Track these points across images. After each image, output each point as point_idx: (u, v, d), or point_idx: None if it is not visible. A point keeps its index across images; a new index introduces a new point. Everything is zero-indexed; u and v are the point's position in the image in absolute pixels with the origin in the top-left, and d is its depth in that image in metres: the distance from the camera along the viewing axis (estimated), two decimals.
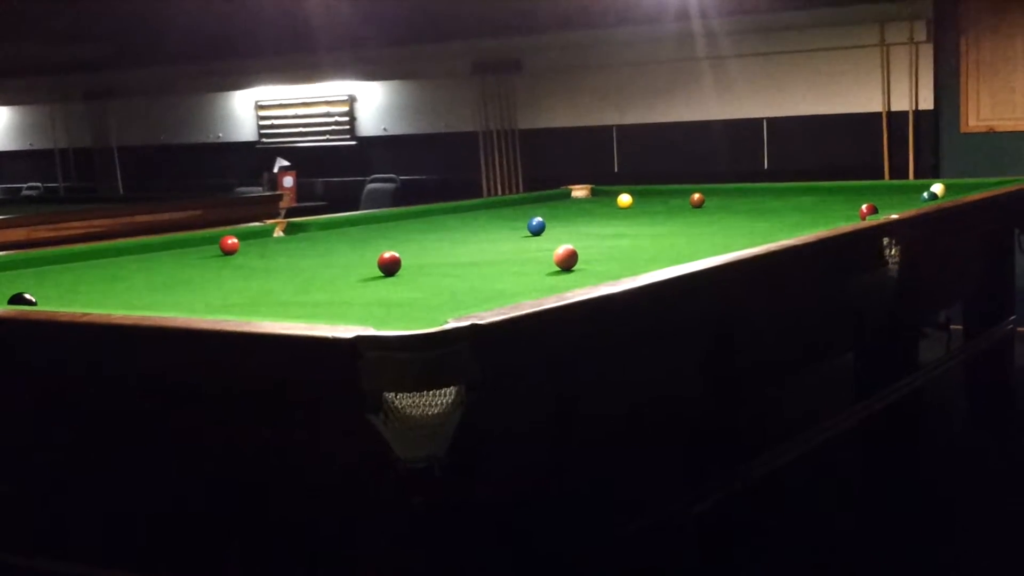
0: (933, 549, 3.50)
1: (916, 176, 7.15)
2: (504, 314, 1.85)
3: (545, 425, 2.03)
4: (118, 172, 10.59)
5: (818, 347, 3.23)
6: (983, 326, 4.49)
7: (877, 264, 3.12)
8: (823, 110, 7.57)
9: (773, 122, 7.77)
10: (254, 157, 9.67)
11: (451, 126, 8.91)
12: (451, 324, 1.73)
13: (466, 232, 4.04)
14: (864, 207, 3.66)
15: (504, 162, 8.69)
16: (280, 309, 2.44)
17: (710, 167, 7.51)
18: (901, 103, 7.30)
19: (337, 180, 9.38)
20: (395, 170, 9.12)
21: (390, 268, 2.85)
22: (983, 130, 7.16)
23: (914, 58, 7.23)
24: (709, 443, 2.62)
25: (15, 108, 11.38)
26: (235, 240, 3.56)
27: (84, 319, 2.07)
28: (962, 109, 7.19)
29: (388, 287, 2.70)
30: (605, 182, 5.65)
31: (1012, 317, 4.65)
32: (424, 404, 1.66)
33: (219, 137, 10.14)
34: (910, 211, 3.50)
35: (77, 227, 5.46)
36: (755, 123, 7.81)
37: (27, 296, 2.43)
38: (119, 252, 3.63)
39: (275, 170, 9.06)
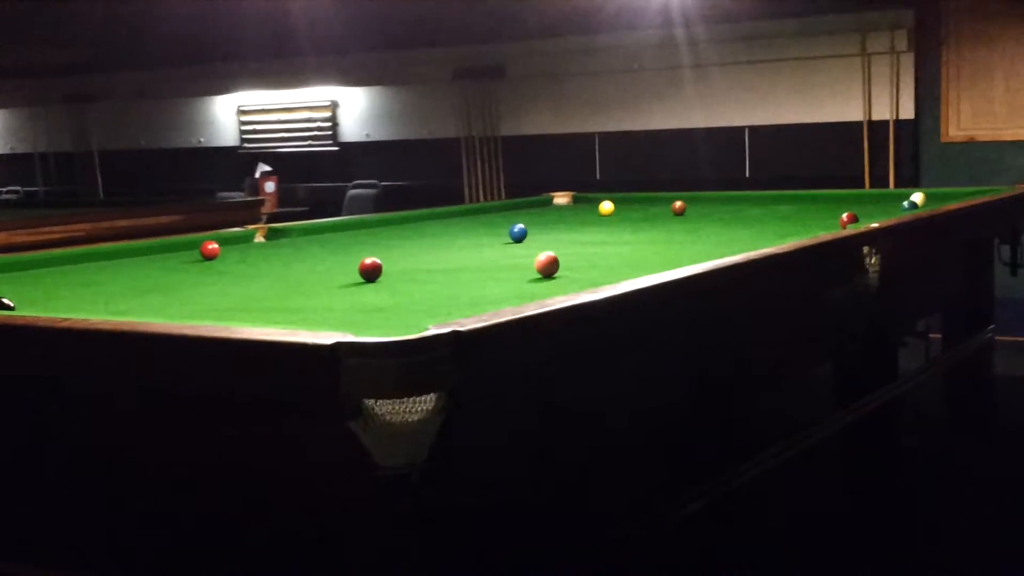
0: (913, 558, 3.51)
1: (897, 185, 7.20)
2: (485, 321, 1.84)
3: (525, 432, 2.03)
4: (99, 176, 10.56)
5: (799, 355, 3.24)
6: (962, 335, 4.51)
7: (857, 273, 3.13)
8: (805, 119, 7.61)
9: (755, 130, 7.80)
10: (236, 162, 9.66)
11: (434, 132, 8.91)
12: (432, 331, 1.73)
13: (448, 238, 4.04)
14: (844, 216, 3.67)
15: (486, 168, 8.70)
16: (260, 315, 2.44)
17: (692, 175, 7.53)
18: (882, 112, 7.34)
19: (319, 186, 9.37)
20: (377, 176, 9.12)
21: (371, 274, 2.85)
22: (963, 139, 7.20)
23: (895, 68, 7.28)
24: (689, 451, 2.62)
25: None
26: (216, 245, 3.54)
27: (63, 324, 2.06)
28: (943, 119, 7.24)
29: (369, 293, 2.70)
30: (587, 189, 5.66)
31: (991, 327, 4.68)
32: (404, 411, 1.66)
33: (201, 142, 10.12)
34: (890, 220, 3.51)
35: (57, 231, 5.44)
36: (737, 131, 7.85)
37: (5, 301, 2.42)
38: (99, 257, 3.62)
39: (257, 175, 9.05)
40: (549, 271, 2.78)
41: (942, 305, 4.44)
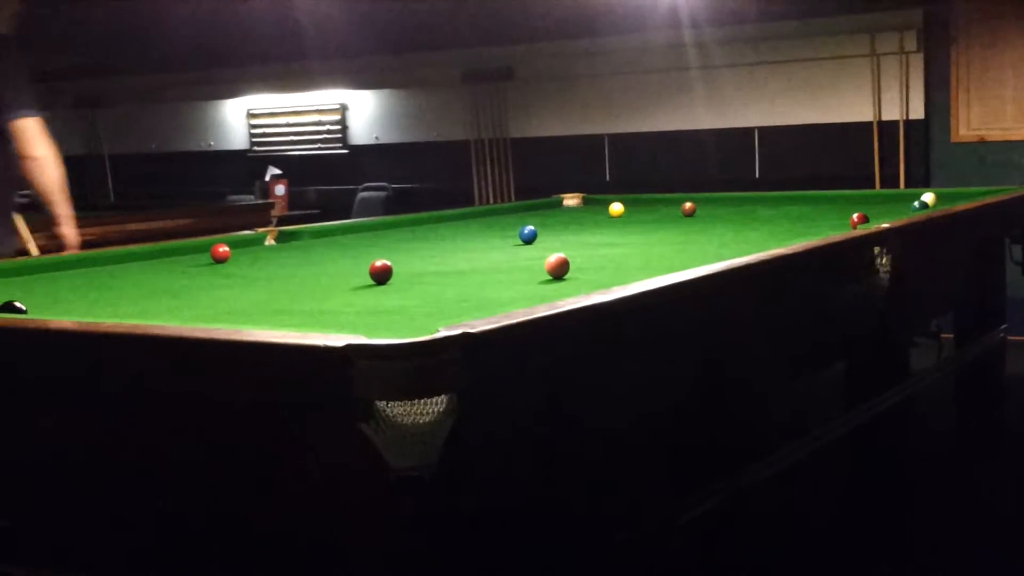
0: (923, 558, 3.50)
1: (907, 185, 7.18)
2: (495, 323, 1.84)
3: (536, 433, 2.03)
4: (109, 180, 10.59)
5: (809, 356, 3.23)
6: (974, 335, 4.50)
7: (868, 273, 3.12)
8: (814, 119, 7.60)
9: (764, 131, 7.79)
10: (246, 165, 9.68)
11: (443, 135, 8.92)
12: (442, 332, 1.73)
13: (458, 241, 4.04)
14: (855, 216, 3.67)
15: (496, 171, 8.70)
16: (271, 317, 2.44)
17: (701, 176, 7.53)
18: (892, 113, 7.33)
19: (329, 189, 9.38)
20: (387, 179, 9.13)
21: (382, 276, 2.85)
22: (973, 140, 7.19)
23: (904, 68, 7.26)
24: (699, 452, 2.62)
25: None
26: (226, 248, 3.55)
27: (74, 327, 2.07)
28: (952, 119, 7.22)
29: (380, 295, 2.70)
30: (597, 191, 5.66)
31: (1003, 326, 4.66)
32: (415, 412, 1.66)
33: (211, 145, 10.14)
34: (901, 220, 3.51)
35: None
36: (746, 132, 7.84)
37: (17, 304, 2.42)
38: (110, 260, 3.63)
39: (267, 178, 9.06)
40: (559, 273, 2.78)
41: (953, 305, 4.43)
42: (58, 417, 2.15)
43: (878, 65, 7.32)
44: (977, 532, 3.72)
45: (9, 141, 3.82)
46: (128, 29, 8.42)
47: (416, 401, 1.66)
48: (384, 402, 1.65)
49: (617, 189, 6.55)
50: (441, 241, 4.06)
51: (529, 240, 3.70)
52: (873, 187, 7.23)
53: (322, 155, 9.51)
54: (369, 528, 1.85)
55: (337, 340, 1.71)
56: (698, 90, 7.80)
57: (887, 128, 7.35)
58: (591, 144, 8.36)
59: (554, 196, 5.52)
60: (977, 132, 7.16)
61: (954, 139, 7.25)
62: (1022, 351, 5.56)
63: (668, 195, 5.40)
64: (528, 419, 2.00)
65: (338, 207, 8.68)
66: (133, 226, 5.79)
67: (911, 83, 7.25)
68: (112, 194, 10.44)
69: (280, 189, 8.98)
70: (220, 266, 3.46)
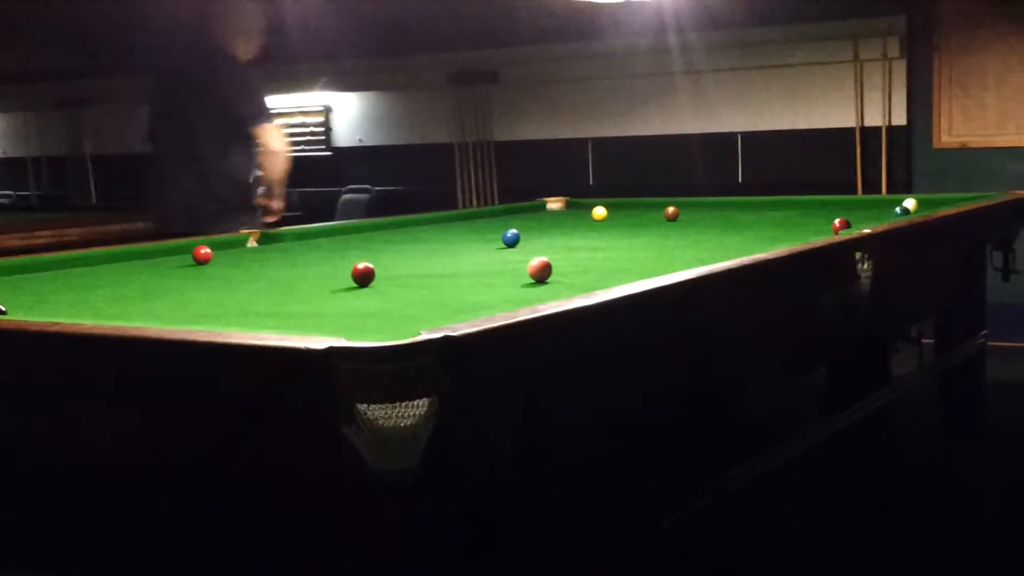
0: (906, 562, 3.51)
1: (889, 191, 7.21)
2: (477, 326, 1.84)
3: (518, 437, 2.03)
4: (91, 181, 10.54)
5: (791, 360, 3.24)
6: (955, 340, 4.52)
7: (849, 278, 3.13)
8: (797, 125, 7.62)
9: (748, 136, 7.82)
10: None
11: (426, 137, 8.92)
12: (424, 335, 1.73)
13: (440, 244, 4.04)
14: (837, 221, 3.68)
15: (479, 174, 8.70)
16: (253, 319, 2.43)
17: (685, 180, 7.55)
18: (874, 119, 7.36)
19: (312, 191, 9.36)
20: (370, 181, 9.12)
21: (364, 279, 2.84)
22: (955, 146, 7.22)
23: (887, 74, 7.29)
24: (682, 455, 2.63)
25: None
26: (208, 250, 3.54)
27: (54, 328, 2.06)
28: (935, 125, 7.26)
29: (362, 298, 2.70)
30: (580, 195, 5.66)
31: (983, 332, 4.68)
32: (397, 415, 1.66)
33: None
34: (882, 225, 3.52)
35: (48, 236, 5.43)
36: (730, 137, 7.86)
37: None
38: (91, 261, 3.61)
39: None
40: (542, 276, 2.78)
41: (935, 310, 4.45)
42: (37, 419, 2.14)
43: (861, 71, 7.34)
44: (958, 536, 3.73)
45: (253, 141, 5.03)
46: (112, 30, 8.40)
47: (397, 404, 1.65)
48: (365, 405, 1.65)
49: (600, 193, 6.57)
50: (424, 244, 4.06)
51: (512, 243, 3.70)
52: (855, 193, 7.25)
53: (305, 157, 9.49)
54: (351, 531, 1.85)
55: (319, 342, 1.71)
56: (682, 95, 7.82)
57: (870, 134, 7.38)
58: (575, 148, 8.37)
59: (537, 200, 5.52)
60: (959, 138, 7.20)
61: (936, 145, 7.28)
62: (1003, 357, 5.60)
63: (651, 199, 5.40)
64: (510, 422, 2.00)
65: (321, 209, 8.67)
66: (114, 227, 5.77)
67: (894, 89, 7.28)
68: (94, 195, 10.40)
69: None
70: (202, 268, 3.45)
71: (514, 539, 2.04)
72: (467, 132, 8.72)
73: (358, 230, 4.58)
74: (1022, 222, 4.56)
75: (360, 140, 9.26)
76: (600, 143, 8.31)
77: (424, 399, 1.66)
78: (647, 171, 8.00)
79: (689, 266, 2.66)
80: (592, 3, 5.70)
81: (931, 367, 4.38)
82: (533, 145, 8.50)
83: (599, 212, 4.75)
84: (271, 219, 5.13)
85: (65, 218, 6.15)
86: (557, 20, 7.58)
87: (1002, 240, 4.60)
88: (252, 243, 4.05)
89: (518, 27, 7.84)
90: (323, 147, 9.42)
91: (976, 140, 7.15)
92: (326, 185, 9.24)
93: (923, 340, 4.36)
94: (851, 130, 7.41)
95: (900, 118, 7.31)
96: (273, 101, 9.53)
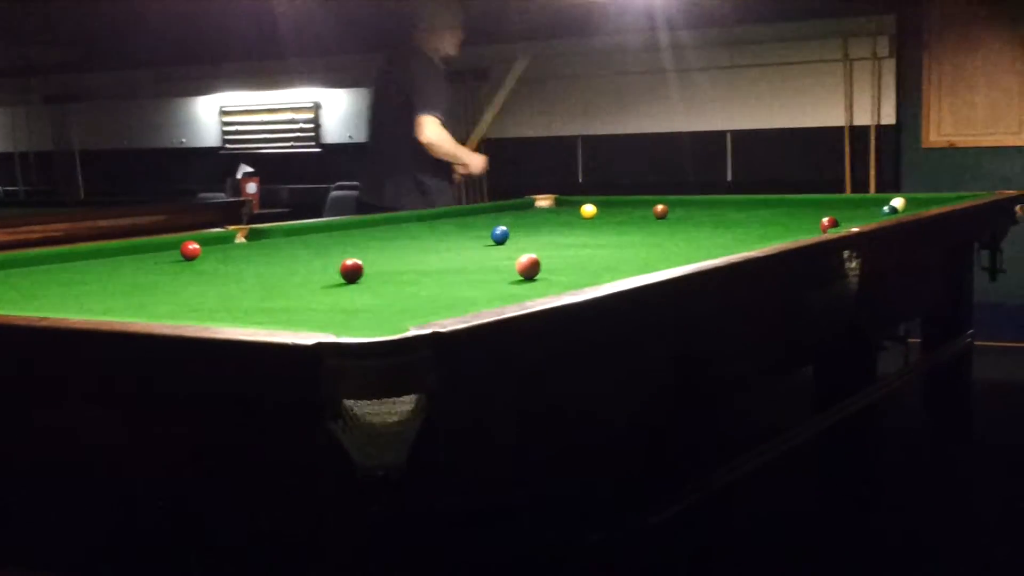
0: (891, 560, 3.52)
1: (877, 190, 7.23)
2: (465, 322, 1.84)
3: (505, 434, 2.03)
4: (79, 176, 10.51)
5: (778, 359, 3.25)
6: (942, 340, 4.53)
7: (837, 277, 3.14)
8: (786, 123, 7.63)
9: (737, 135, 7.83)
10: (217, 163, 9.63)
11: None
12: (412, 332, 1.73)
13: (429, 240, 4.04)
14: (825, 220, 3.68)
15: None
16: (241, 315, 2.43)
17: (674, 178, 7.55)
18: (863, 117, 7.37)
19: (301, 187, 9.35)
20: (360, 178, 9.09)
21: (352, 275, 2.84)
22: (944, 145, 7.24)
23: (877, 73, 7.31)
24: (669, 453, 2.63)
25: None
26: (196, 246, 3.53)
27: (41, 324, 2.06)
28: (923, 124, 7.27)
29: (350, 294, 2.70)
30: (569, 192, 5.66)
31: (970, 331, 4.70)
32: (384, 412, 1.66)
33: (182, 142, 10.09)
34: (871, 224, 3.53)
35: (37, 231, 5.40)
36: (719, 135, 7.87)
37: None
38: (78, 257, 3.60)
39: (238, 176, 9.02)
40: (530, 273, 2.78)
41: (922, 309, 4.46)
42: (24, 415, 2.14)
43: (851, 70, 7.36)
44: (944, 535, 3.74)
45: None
46: (101, 25, 8.38)
47: (385, 400, 1.65)
48: (353, 401, 1.65)
49: (589, 190, 6.57)
50: (412, 241, 4.06)
51: (501, 240, 3.70)
52: (844, 191, 7.27)
53: (294, 153, 9.49)
54: (337, 528, 1.85)
55: (307, 338, 1.71)
56: (672, 93, 7.82)
57: (859, 133, 7.39)
58: (564, 145, 8.37)
59: (526, 197, 5.52)
60: (948, 138, 7.22)
61: (925, 144, 7.30)
62: (989, 356, 5.62)
63: (640, 197, 5.41)
64: (498, 419, 2.00)
65: (310, 206, 8.65)
66: (103, 222, 5.74)
67: (883, 88, 7.30)
68: (82, 190, 10.37)
69: (252, 187, 8.94)
70: (190, 263, 3.44)
71: (502, 535, 2.04)
72: (456, 129, 8.70)
73: (347, 226, 4.57)
74: (1009, 221, 4.57)
75: (350, 137, 9.25)
76: (590, 141, 8.31)
77: (412, 395, 1.66)
78: (637, 169, 8.00)
79: (678, 264, 2.66)
80: (583, 1, 5.71)
81: (917, 366, 4.39)
82: (522, 142, 8.50)
83: (588, 210, 4.75)
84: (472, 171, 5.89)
85: (53, 214, 6.13)
86: (546, 18, 7.59)
87: (989, 239, 4.62)
88: (241, 239, 4.04)
89: (509, 25, 7.84)
90: (312, 143, 9.40)
91: (964, 140, 7.17)
92: (315, 181, 9.22)
93: (910, 339, 4.37)
94: (840, 129, 7.42)
95: (889, 117, 7.33)
96: (261, 97, 9.55)
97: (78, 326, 2.03)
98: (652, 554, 2.56)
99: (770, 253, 2.92)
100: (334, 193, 9.07)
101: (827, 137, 7.47)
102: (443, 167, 5.73)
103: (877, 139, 7.33)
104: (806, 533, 3.65)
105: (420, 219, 4.87)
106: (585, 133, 8.30)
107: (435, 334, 1.73)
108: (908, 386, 4.25)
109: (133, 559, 2.12)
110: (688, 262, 2.69)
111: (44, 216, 5.89)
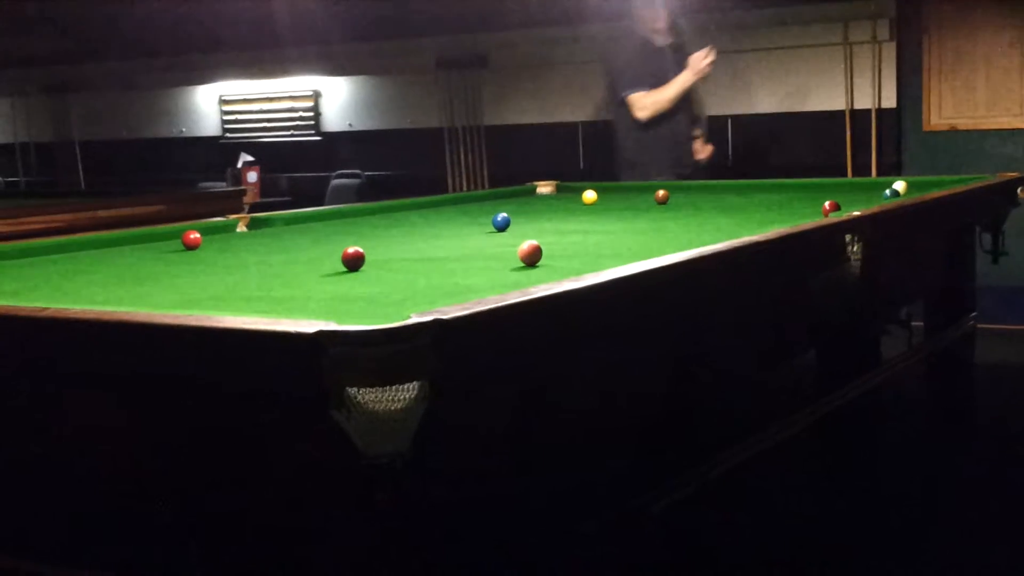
0: (895, 545, 3.53)
1: (879, 174, 7.22)
2: (467, 309, 1.84)
3: (508, 421, 2.03)
4: (80, 167, 10.51)
5: (781, 343, 3.25)
6: (944, 323, 4.53)
7: (839, 261, 3.14)
8: (787, 108, 7.62)
9: (737, 119, 7.81)
10: (218, 152, 9.62)
11: (417, 122, 8.89)
12: (414, 319, 1.73)
13: (431, 228, 4.04)
14: (827, 204, 3.68)
15: (470, 158, 8.69)
16: (243, 304, 2.43)
17: None
18: (864, 101, 7.36)
19: (302, 176, 9.34)
20: (360, 166, 9.10)
21: (354, 263, 2.84)
22: (945, 128, 7.23)
23: (877, 57, 7.29)
24: (672, 439, 2.63)
25: None
26: (198, 235, 3.53)
27: (43, 314, 2.06)
28: (924, 108, 7.26)
29: (352, 282, 2.69)
30: (570, 179, 5.65)
31: (973, 314, 4.70)
32: (387, 399, 1.66)
33: (182, 132, 10.08)
34: (872, 208, 3.52)
35: (37, 222, 5.40)
36: (719, 120, 7.85)
37: None
38: (80, 247, 3.60)
39: (239, 165, 9.01)
40: (532, 260, 2.78)
41: (924, 293, 4.46)
42: (25, 405, 2.14)
43: (851, 54, 7.34)
44: (945, 519, 3.74)
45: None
46: (100, 15, 8.36)
47: (387, 388, 1.65)
48: (355, 389, 1.65)
49: (590, 177, 6.56)
50: (414, 228, 4.05)
51: (502, 227, 3.70)
52: (845, 175, 7.25)
53: (295, 142, 9.48)
54: (341, 516, 1.85)
55: (308, 326, 1.71)
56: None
57: (859, 117, 7.38)
58: (565, 132, 8.36)
59: (527, 184, 5.51)
60: (949, 121, 7.20)
61: (926, 128, 7.28)
62: (991, 339, 5.61)
63: (641, 183, 5.40)
64: (500, 406, 2.00)
65: (311, 194, 8.65)
66: (103, 213, 5.74)
67: (883, 72, 7.28)
68: (83, 181, 10.36)
69: (252, 176, 8.93)
70: (191, 253, 3.44)
71: (504, 524, 2.04)
72: (457, 116, 8.70)
73: (348, 215, 4.57)
74: (1011, 204, 4.57)
75: (350, 125, 9.24)
76: (591, 127, 8.29)
77: (415, 383, 1.66)
78: None
79: (679, 249, 2.66)
80: None
81: (920, 349, 4.39)
82: (523, 129, 8.49)
83: (589, 196, 4.75)
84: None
85: (54, 204, 6.12)
86: (546, 4, 7.57)
87: (991, 222, 4.61)
88: (242, 228, 4.04)
89: (507, 11, 7.82)
90: (312, 132, 9.39)
91: (965, 122, 7.16)
92: (316, 170, 9.22)
93: (913, 323, 4.37)
94: (841, 113, 7.41)
95: (890, 100, 7.31)
96: (261, 86, 9.54)
97: (80, 316, 2.03)
98: (654, 542, 2.57)
99: (772, 238, 2.92)
100: (335, 181, 9.07)
101: (828, 121, 7.45)
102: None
103: (878, 123, 7.32)
104: (807, 518, 3.65)
105: (421, 207, 4.86)
106: (586, 119, 8.28)
107: (437, 321, 1.73)
108: (910, 370, 4.25)
109: (133, 548, 2.12)
110: (689, 247, 2.69)
111: (45, 207, 5.88)
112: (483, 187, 8.39)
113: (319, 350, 1.67)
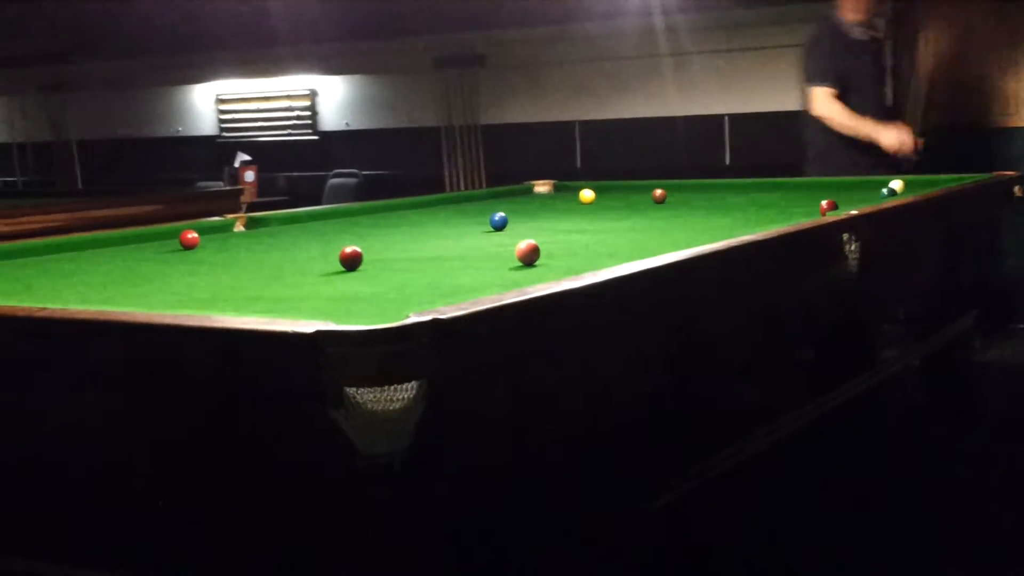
0: (892, 542, 3.53)
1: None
2: (465, 309, 1.84)
3: (506, 419, 2.03)
4: (77, 166, 10.49)
5: (779, 342, 3.25)
6: (942, 321, 4.53)
7: (837, 260, 3.14)
8: (784, 107, 7.60)
9: (735, 118, 7.81)
10: (215, 151, 9.61)
11: (414, 121, 8.89)
12: (412, 318, 1.73)
13: (428, 227, 4.04)
14: (824, 203, 3.68)
15: (467, 157, 8.68)
16: (240, 304, 2.43)
17: (672, 163, 7.52)
18: None
19: (299, 175, 9.33)
20: (357, 165, 9.09)
21: (352, 263, 2.84)
22: (941, 127, 7.21)
23: None
24: (670, 437, 2.63)
25: None
26: (195, 235, 3.53)
27: (41, 313, 2.05)
28: (921, 107, 7.24)
29: (349, 282, 2.69)
30: (568, 177, 5.65)
31: (972, 312, 4.69)
32: (385, 399, 1.66)
33: (179, 131, 10.07)
34: (870, 207, 3.52)
35: (35, 221, 5.40)
36: (717, 119, 7.85)
37: None
38: (77, 246, 3.60)
39: (236, 164, 9.00)
40: (530, 259, 2.78)
41: (922, 292, 4.46)
42: (23, 405, 2.13)
43: None
44: (947, 517, 3.74)
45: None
46: (96, 13, 8.36)
47: (386, 387, 1.65)
48: (354, 388, 1.65)
49: (588, 176, 6.55)
50: (411, 227, 4.06)
51: (500, 227, 3.70)
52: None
53: (292, 141, 9.46)
54: (340, 516, 1.85)
55: (306, 326, 1.71)
56: (669, 77, 7.80)
57: None
58: (562, 131, 8.35)
59: (525, 183, 5.51)
60: (945, 120, 7.19)
61: (923, 126, 7.27)
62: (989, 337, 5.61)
63: (639, 182, 5.40)
64: (498, 405, 2.00)
65: (308, 193, 8.64)
66: (100, 212, 5.73)
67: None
68: (80, 180, 10.35)
69: (249, 175, 8.91)
70: (189, 252, 3.44)
71: (503, 522, 2.04)
72: (454, 115, 8.70)
73: (345, 214, 4.57)
74: (1008, 203, 4.57)
75: (347, 124, 9.23)
76: (588, 126, 8.29)
77: (413, 382, 1.66)
78: (635, 154, 7.99)
79: (677, 248, 2.66)
80: None
81: (918, 349, 4.39)
82: (520, 128, 8.48)
83: (587, 195, 4.75)
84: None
85: (51, 203, 6.12)
86: (543, 3, 7.56)
87: (988, 221, 4.62)
88: (239, 227, 4.04)
89: (504, 10, 7.82)
90: (310, 131, 9.39)
91: (962, 121, 7.15)
92: (313, 169, 9.21)
93: (910, 322, 4.37)
94: None
95: (886, 100, 7.30)
96: (257, 85, 9.53)
97: (78, 316, 2.03)
98: (653, 538, 2.57)
99: (770, 237, 2.92)
100: (332, 181, 9.06)
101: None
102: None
103: None
104: (805, 516, 3.65)
105: (418, 206, 4.86)
106: (583, 118, 8.28)
107: (435, 321, 1.73)
108: (909, 368, 4.25)
109: (130, 547, 2.12)
110: (687, 246, 2.69)
111: (42, 206, 5.88)
112: (480, 186, 8.39)
113: (317, 350, 1.67)
